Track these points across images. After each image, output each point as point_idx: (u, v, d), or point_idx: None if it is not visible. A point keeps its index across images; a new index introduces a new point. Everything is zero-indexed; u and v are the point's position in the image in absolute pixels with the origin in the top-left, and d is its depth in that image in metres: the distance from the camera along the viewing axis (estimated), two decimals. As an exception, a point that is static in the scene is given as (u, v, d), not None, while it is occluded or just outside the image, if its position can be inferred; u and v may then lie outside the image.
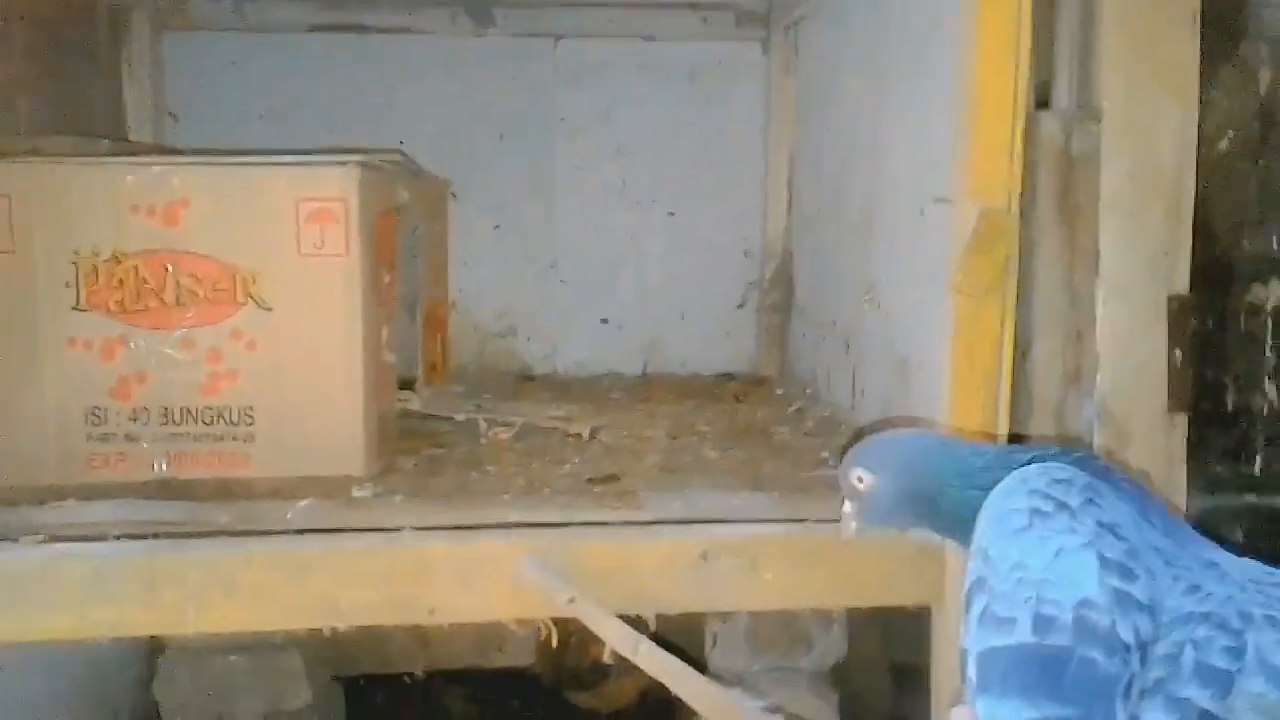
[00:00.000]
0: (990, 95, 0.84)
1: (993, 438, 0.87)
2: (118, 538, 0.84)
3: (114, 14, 1.43)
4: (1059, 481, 0.49)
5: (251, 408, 0.94)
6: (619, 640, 0.82)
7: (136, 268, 0.92)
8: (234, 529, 0.86)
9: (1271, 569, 0.48)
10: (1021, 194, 0.84)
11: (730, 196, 1.58)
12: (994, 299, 0.83)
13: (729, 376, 1.55)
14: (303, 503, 0.88)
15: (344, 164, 0.93)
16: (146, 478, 0.93)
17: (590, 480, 0.97)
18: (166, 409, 0.93)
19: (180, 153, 1.07)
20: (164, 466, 0.93)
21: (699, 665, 0.92)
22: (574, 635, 0.98)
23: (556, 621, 0.86)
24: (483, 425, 1.18)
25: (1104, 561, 0.45)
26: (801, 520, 0.88)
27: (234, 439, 0.94)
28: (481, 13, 1.48)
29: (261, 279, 0.93)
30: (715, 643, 1.09)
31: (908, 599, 0.88)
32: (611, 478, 0.98)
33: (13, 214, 0.91)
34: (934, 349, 0.91)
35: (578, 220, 1.54)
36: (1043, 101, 0.87)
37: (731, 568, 0.85)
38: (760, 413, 1.30)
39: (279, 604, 0.83)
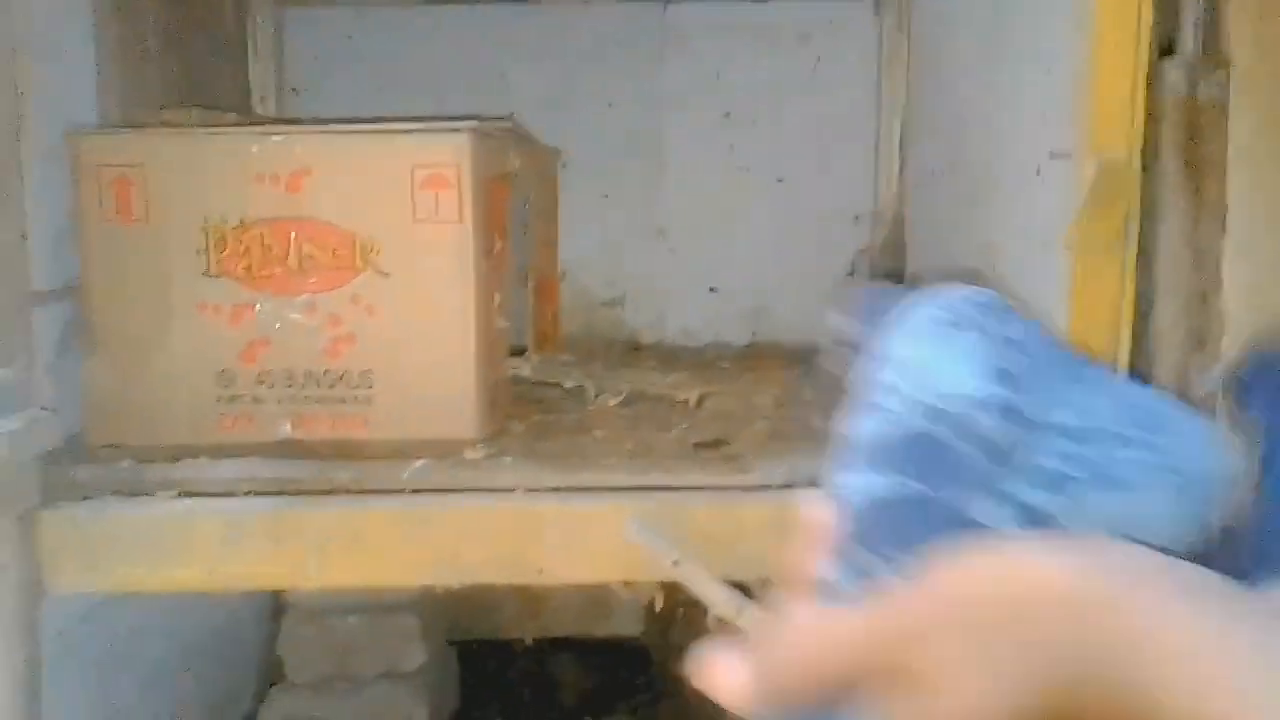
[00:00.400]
0: (1111, 43, 0.81)
1: (1112, 403, 0.84)
2: (245, 494, 0.88)
3: (238, -8, 1.49)
4: (974, 301, 0.47)
5: (370, 371, 0.97)
6: (722, 604, 0.83)
7: (262, 235, 0.96)
8: (353, 487, 0.89)
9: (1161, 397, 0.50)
10: (1144, 147, 0.81)
11: (840, 161, 1.56)
12: (1113, 257, 0.80)
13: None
14: (418, 463, 0.90)
15: (457, 130, 0.95)
16: (271, 438, 0.96)
17: (696, 445, 0.97)
18: (290, 372, 0.97)
19: (301, 122, 1.11)
20: (288, 428, 0.97)
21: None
22: (681, 607, 0.99)
23: (664, 592, 0.87)
24: (591, 392, 1.19)
25: (994, 369, 0.44)
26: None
27: (354, 401, 0.97)
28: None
29: (379, 245, 0.95)
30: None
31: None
32: (718, 443, 0.98)
33: (147, 183, 0.95)
34: (1051, 312, 0.89)
35: (686, 188, 1.54)
36: (1166, 50, 0.83)
37: (839, 531, 0.85)
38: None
39: (395, 559, 0.86)
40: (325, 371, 0.97)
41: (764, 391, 1.21)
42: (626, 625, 1.72)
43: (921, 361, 0.44)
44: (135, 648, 1.15)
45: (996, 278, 1.09)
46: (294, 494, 0.88)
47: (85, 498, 0.87)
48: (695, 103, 1.56)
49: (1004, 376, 0.43)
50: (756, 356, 1.46)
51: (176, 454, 0.93)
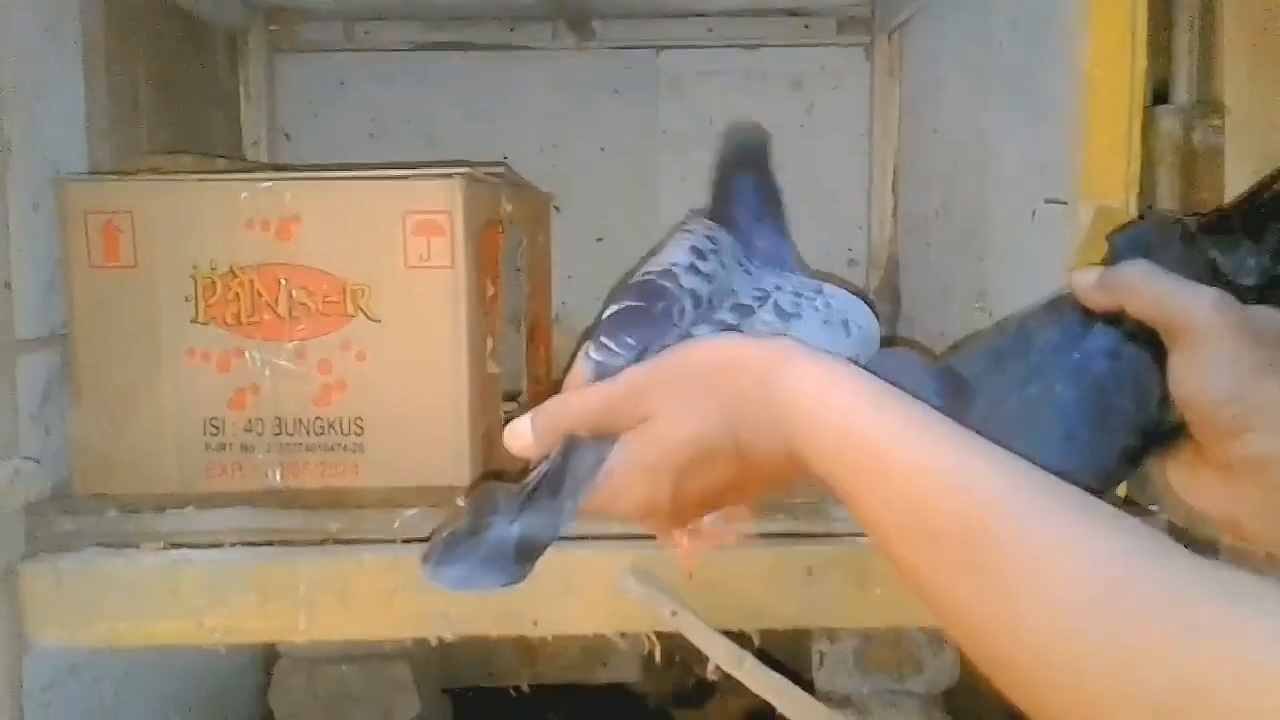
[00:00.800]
0: (1105, 89, 0.81)
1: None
2: (233, 545, 0.87)
3: (230, 38, 1.49)
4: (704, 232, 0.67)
5: (361, 418, 0.96)
6: (723, 656, 0.82)
7: (252, 281, 0.95)
8: (343, 537, 0.87)
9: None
10: (1140, 193, 0.81)
11: (834, 205, 1.56)
12: (1113, 304, 0.80)
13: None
14: (409, 512, 0.89)
15: (449, 176, 0.94)
16: (261, 487, 0.95)
17: (693, 491, 0.96)
18: (280, 419, 0.96)
19: (292, 169, 1.10)
20: (277, 476, 0.96)
21: (805, 685, 0.90)
22: (678, 653, 0.97)
23: (661, 639, 0.85)
24: (585, 436, 1.17)
25: (694, 249, 0.63)
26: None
27: (344, 449, 0.96)
28: (582, 25, 1.49)
29: (370, 291, 0.94)
30: (821, 662, 1.07)
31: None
32: (714, 489, 0.97)
33: (135, 230, 0.94)
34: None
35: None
36: (1160, 96, 0.83)
37: (838, 581, 0.84)
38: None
39: (389, 612, 0.84)
40: (315, 419, 0.96)
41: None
42: (623, 672, 1.70)
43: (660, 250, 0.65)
44: (123, 700, 1.12)
45: (990, 322, 1.08)
46: (282, 544, 0.86)
47: (70, 549, 0.85)
48: (689, 147, 1.56)
49: (696, 251, 0.63)
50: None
51: (163, 504, 0.91)
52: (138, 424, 0.95)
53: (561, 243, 1.49)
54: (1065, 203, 0.84)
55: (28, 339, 0.92)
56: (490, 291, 1.03)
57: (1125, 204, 0.80)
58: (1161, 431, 0.54)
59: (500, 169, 1.10)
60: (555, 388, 0.58)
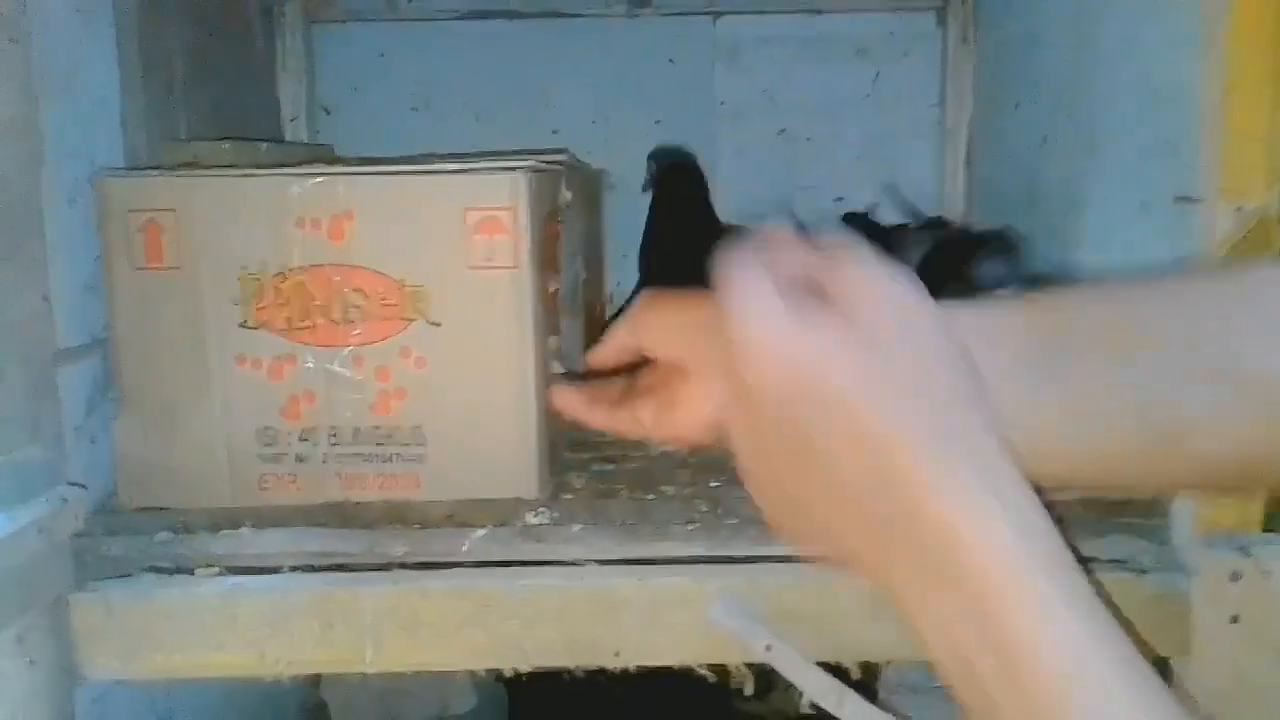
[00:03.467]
0: (1248, 76, 0.73)
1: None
2: (293, 569, 0.81)
3: (266, 9, 1.42)
4: None
5: (421, 427, 0.90)
6: (821, 692, 0.76)
7: (303, 283, 0.88)
8: (410, 560, 0.82)
9: None
10: (1286, 191, 0.73)
11: (902, 178, 1.48)
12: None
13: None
14: (479, 532, 0.83)
15: (512, 170, 0.87)
16: (318, 500, 0.89)
17: (777, 505, 0.90)
18: (336, 428, 0.90)
19: (342, 160, 1.03)
20: (335, 489, 0.90)
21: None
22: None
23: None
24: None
25: None
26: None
27: (404, 460, 0.90)
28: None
29: (430, 293, 0.88)
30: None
31: (1145, 651, 0.78)
32: (799, 502, 0.91)
33: (179, 229, 0.87)
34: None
35: (739, 208, 1.45)
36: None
37: (943, 612, 0.78)
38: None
39: (459, 642, 0.79)
40: (374, 428, 0.90)
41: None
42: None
43: None
44: (175, 698, 1.08)
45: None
46: (345, 569, 0.81)
47: (120, 575, 0.80)
48: (747, 119, 1.49)
49: None
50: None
51: (217, 521, 0.86)
52: (186, 435, 0.89)
53: (614, 220, 1.42)
54: (1200, 200, 0.76)
55: (68, 348, 0.86)
56: (552, 287, 0.97)
57: (1272, 204, 0.72)
58: None
59: (562, 156, 1.03)
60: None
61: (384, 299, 0.88)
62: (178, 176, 0.90)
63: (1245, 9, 0.73)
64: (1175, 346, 0.42)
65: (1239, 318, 0.42)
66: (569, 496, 0.93)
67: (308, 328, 0.89)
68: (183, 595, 0.79)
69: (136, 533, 0.84)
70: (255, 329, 0.89)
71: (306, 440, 0.90)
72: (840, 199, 1.48)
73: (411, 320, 0.89)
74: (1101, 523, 0.84)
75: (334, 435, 0.90)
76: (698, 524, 0.86)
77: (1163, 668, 0.79)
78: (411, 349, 0.89)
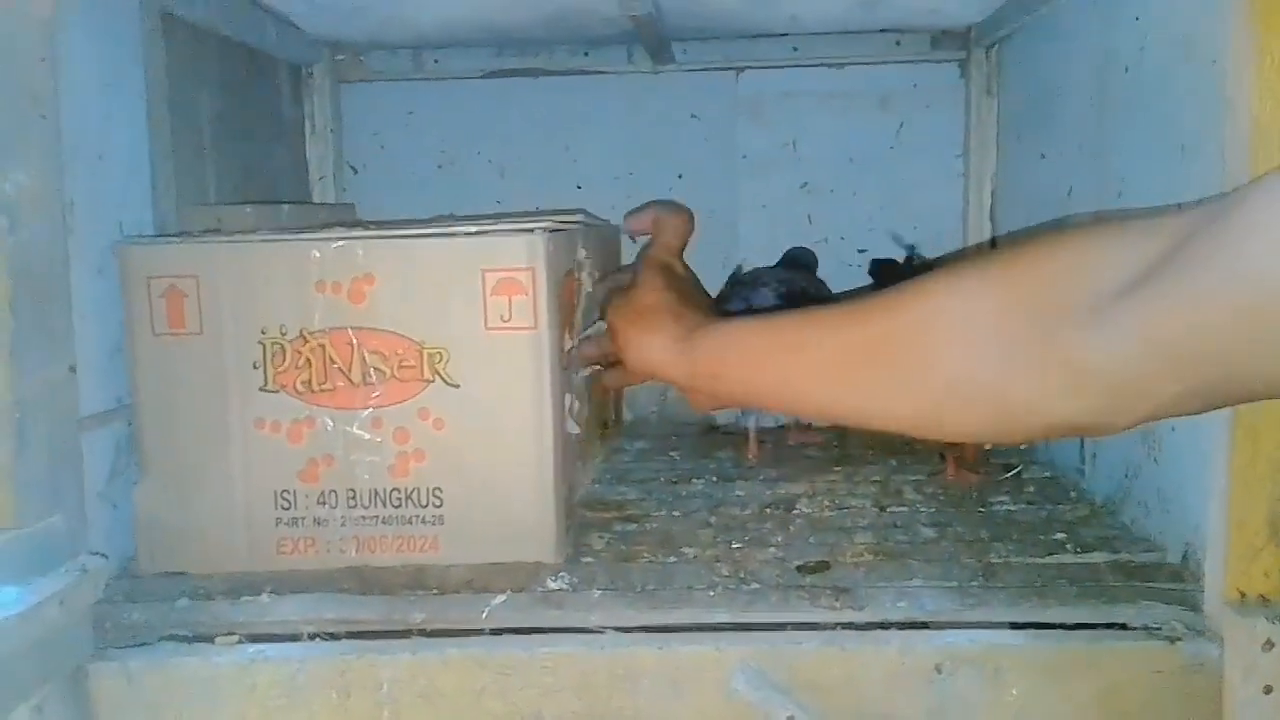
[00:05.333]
0: (1270, 128, 0.72)
1: None
2: (312, 636, 0.81)
3: (295, 71, 1.44)
4: None
5: (439, 489, 0.90)
6: (845, 765, 0.74)
7: (324, 346, 0.89)
8: (429, 627, 0.81)
9: None
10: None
11: (926, 231, 1.47)
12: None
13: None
14: (498, 599, 0.83)
15: (530, 231, 0.88)
16: (336, 564, 0.89)
17: (800, 569, 0.89)
18: (354, 491, 0.90)
19: (362, 224, 1.04)
20: (353, 552, 0.90)
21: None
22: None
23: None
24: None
25: None
26: (1047, 625, 0.78)
27: (423, 522, 0.90)
28: (660, 47, 1.41)
29: (449, 355, 0.88)
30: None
31: (1179, 721, 0.76)
32: (822, 565, 0.89)
33: (201, 295, 0.88)
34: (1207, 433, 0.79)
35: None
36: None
37: (970, 682, 0.76)
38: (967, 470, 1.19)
39: (478, 712, 0.78)
40: (392, 490, 0.90)
41: (859, 491, 1.12)
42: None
43: None
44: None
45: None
46: (363, 637, 0.80)
47: (140, 642, 0.80)
48: (770, 172, 1.49)
49: None
50: (842, 440, 1.36)
51: (236, 586, 0.86)
52: (206, 498, 0.90)
53: (638, 273, 1.42)
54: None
55: (93, 414, 0.87)
56: (568, 345, 0.97)
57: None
58: None
59: (578, 216, 1.03)
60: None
61: (403, 360, 0.89)
62: (200, 243, 0.91)
63: (1270, 65, 0.72)
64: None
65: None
66: (588, 560, 0.93)
67: (327, 390, 0.89)
68: (202, 664, 0.78)
69: (156, 599, 0.84)
70: (275, 392, 0.89)
71: (324, 504, 0.90)
72: (864, 250, 1.47)
73: (430, 381, 0.89)
74: (1131, 588, 0.82)
75: (352, 498, 0.90)
76: (719, 589, 0.85)
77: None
78: (430, 410, 0.89)
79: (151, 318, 0.88)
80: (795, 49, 1.45)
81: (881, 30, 1.43)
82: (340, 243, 0.89)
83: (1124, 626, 0.78)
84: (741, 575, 0.88)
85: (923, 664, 0.76)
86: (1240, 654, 0.73)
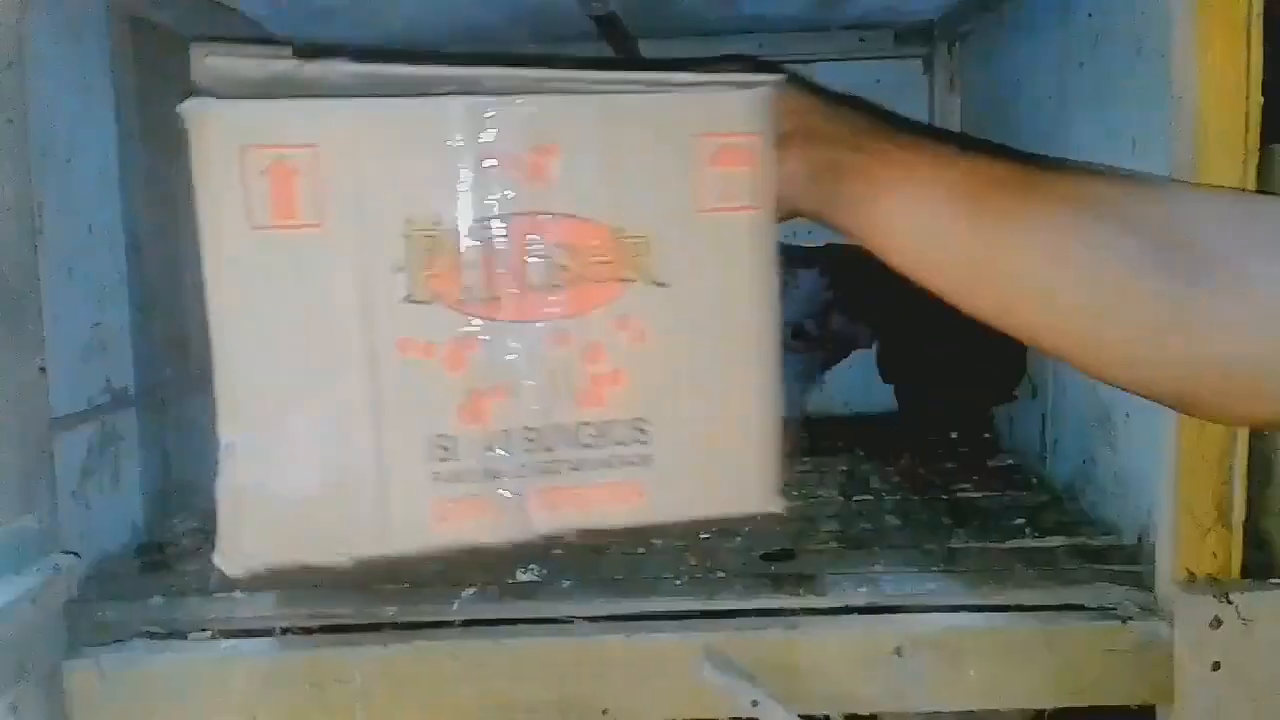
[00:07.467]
0: (1216, 129, 0.74)
1: (1226, 512, 0.77)
2: (284, 631, 0.82)
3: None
4: None
5: (644, 421, 0.66)
6: (811, 748, 0.76)
7: (491, 240, 0.62)
8: (400, 620, 0.82)
9: None
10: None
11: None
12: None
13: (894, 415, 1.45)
14: (467, 592, 0.84)
15: (754, 85, 0.65)
16: (512, 535, 0.65)
17: (765, 557, 0.91)
18: (534, 431, 0.65)
19: (527, 62, 0.65)
20: (533, 511, 0.65)
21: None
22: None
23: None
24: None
25: None
26: (1005, 608, 0.80)
27: (625, 464, 0.66)
28: (624, 46, 1.43)
29: (653, 245, 0.64)
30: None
31: (1130, 698, 0.78)
32: (786, 553, 0.91)
33: (320, 172, 0.59)
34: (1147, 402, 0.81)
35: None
36: (1276, 135, 0.76)
37: (930, 663, 0.78)
38: (934, 462, 1.21)
39: (450, 702, 0.79)
40: (582, 425, 0.65)
41: (826, 481, 1.14)
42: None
43: None
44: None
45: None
46: (337, 630, 0.82)
47: (113, 640, 0.81)
48: (738, 168, 1.50)
49: None
50: (810, 432, 1.38)
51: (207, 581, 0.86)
52: (329, 455, 0.62)
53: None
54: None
55: (64, 416, 0.88)
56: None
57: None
58: None
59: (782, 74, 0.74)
60: None
61: (595, 254, 0.64)
62: (318, 100, 0.60)
63: (1213, 59, 0.74)
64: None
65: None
66: (559, 551, 0.94)
67: (496, 298, 0.63)
68: (175, 660, 0.79)
69: (129, 597, 0.85)
70: (427, 303, 0.62)
71: (493, 450, 0.64)
72: (828, 245, 1.48)
73: (630, 281, 0.64)
74: (1086, 570, 0.85)
75: (531, 440, 0.65)
76: (685, 578, 0.86)
77: (1148, 715, 0.79)
78: (630, 319, 0.65)
79: (248, 205, 0.59)
80: (761, 46, 1.47)
81: (845, 27, 1.45)
82: (519, 99, 0.62)
83: (1081, 608, 0.80)
84: (707, 564, 0.89)
85: (884, 647, 0.78)
86: (1189, 632, 0.75)
